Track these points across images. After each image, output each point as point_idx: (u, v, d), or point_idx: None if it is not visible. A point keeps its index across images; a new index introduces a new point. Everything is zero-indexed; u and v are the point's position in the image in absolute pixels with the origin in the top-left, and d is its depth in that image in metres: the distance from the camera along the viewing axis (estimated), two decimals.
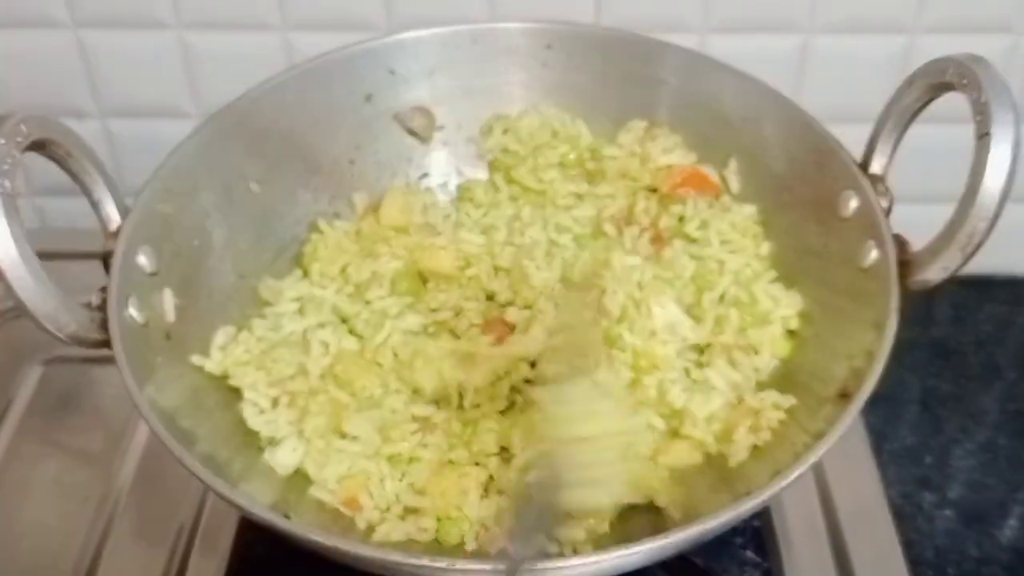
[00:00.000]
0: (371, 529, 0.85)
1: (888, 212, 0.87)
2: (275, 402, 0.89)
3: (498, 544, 0.84)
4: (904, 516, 1.04)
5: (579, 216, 1.02)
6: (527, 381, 0.93)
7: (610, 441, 0.85)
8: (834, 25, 1.14)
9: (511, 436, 0.89)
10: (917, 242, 0.84)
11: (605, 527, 0.85)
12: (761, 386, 0.92)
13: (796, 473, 0.74)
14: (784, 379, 0.91)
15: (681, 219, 1.00)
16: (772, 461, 0.84)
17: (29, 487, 1.03)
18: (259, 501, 0.80)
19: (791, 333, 0.94)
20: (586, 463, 0.85)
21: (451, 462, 0.88)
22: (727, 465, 0.87)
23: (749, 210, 0.99)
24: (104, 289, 0.82)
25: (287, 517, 0.80)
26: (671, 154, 1.02)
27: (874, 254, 0.85)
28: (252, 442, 0.89)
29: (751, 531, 0.99)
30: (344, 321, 0.96)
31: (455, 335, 0.96)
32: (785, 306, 0.93)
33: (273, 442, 0.88)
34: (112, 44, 1.17)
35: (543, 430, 0.85)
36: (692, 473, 0.88)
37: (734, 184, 1.01)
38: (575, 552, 0.82)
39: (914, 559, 0.99)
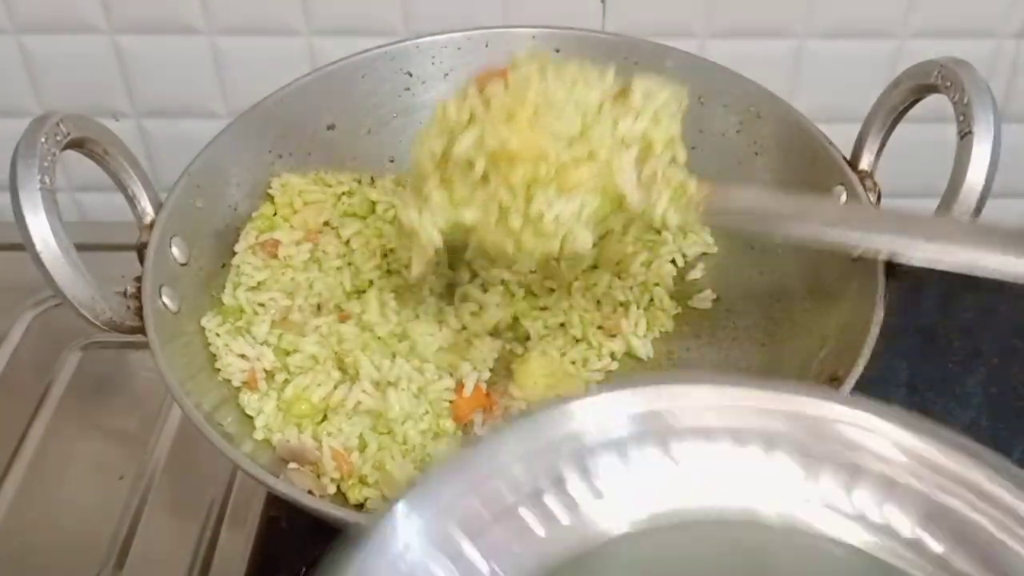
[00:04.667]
0: None
1: (876, 206, 0.87)
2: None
3: None
4: None
5: None
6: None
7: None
8: (827, 30, 1.14)
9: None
10: None
11: None
12: (750, 371, 0.93)
13: None
14: (775, 363, 0.92)
15: None
16: None
17: (68, 465, 1.04)
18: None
19: None
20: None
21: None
22: None
23: None
24: (139, 279, 0.83)
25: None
26: None
27: None
28: None
29: None
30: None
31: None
32: None
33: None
34: (147, 49, 1.18)
35: None
36: None
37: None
38: None
39: None
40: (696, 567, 0.57)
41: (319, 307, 0.93)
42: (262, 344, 0.90)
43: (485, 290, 0.96)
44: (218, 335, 0.89)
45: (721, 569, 0.57)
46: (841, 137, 0.91)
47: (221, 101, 1.22)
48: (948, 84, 0.81)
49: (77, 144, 0.82)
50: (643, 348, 0.96)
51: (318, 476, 0.85)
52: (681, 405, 0.55)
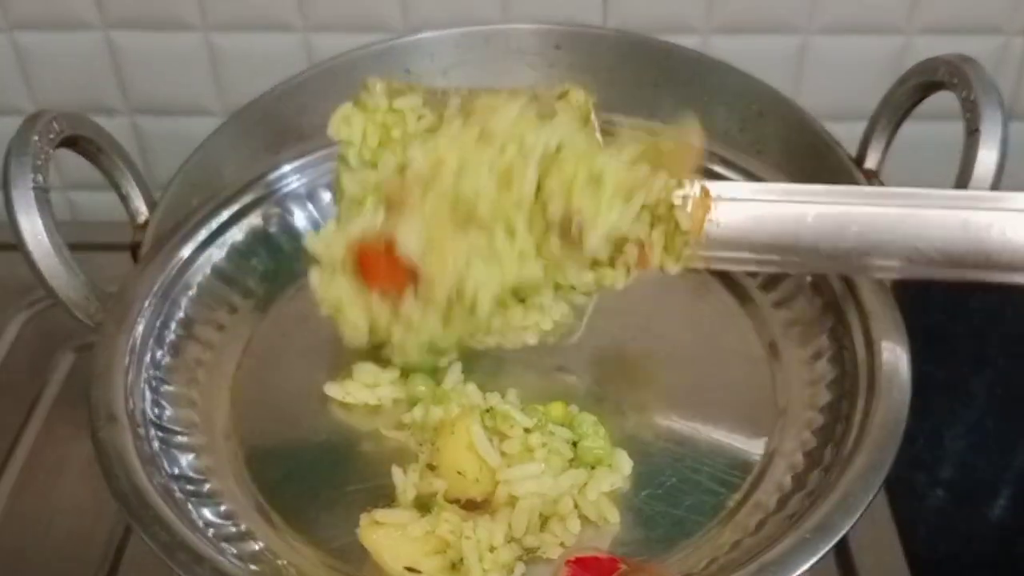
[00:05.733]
0: None
1: None
2: None
3: None
4: (898, 495, 1.04)
5: None
6: None
7: None
8: (831, 26, 1.14)
9: None
10: None
11: None
12: None
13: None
14: None
15: None
16: None
17: (62, 468, 1.04)
18: None
19: None
20: None
21: None
22: None
23: None
24: None
25: None
26: None
27: None
28: None
29: None
30: None
31: None
32: None
33: None
34: (140, 45, 1.18)
35: None
36: None
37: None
38: None
39: (907, 535, 0.99)
40: None
41: None
42: None
43: None
44: None
45: None
46: (846, 135, 0.91)
47: (216, 98, 1.21)
48: (955, 81, 0.81)
49: (70, 142, 0.81)
50: None
51: None
52: None
